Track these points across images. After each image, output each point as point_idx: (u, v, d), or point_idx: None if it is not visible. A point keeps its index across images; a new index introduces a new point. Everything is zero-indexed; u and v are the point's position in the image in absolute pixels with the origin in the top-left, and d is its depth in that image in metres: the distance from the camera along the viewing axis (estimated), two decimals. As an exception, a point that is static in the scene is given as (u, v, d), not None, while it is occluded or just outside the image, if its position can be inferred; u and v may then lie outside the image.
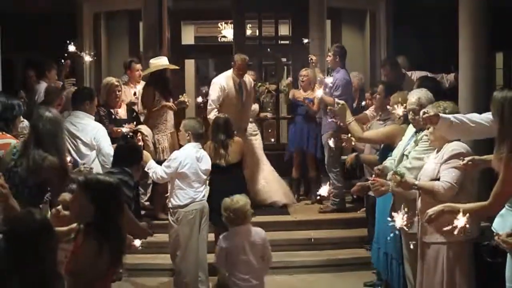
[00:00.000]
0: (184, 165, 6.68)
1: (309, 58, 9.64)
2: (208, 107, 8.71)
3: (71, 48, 7.59)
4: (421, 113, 4.89)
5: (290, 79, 10.57)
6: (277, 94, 11.20)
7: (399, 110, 5.67)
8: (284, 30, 12.16)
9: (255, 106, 9.85)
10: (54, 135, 5.09)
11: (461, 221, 4.11)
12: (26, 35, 10.10)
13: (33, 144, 4.99)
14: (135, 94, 8.74)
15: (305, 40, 10.36)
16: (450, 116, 4.72)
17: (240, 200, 5.62)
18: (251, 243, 5.59)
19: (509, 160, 4.02)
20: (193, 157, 6.72)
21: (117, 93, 7.79)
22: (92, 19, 10.99)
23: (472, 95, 7.12)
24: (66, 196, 4.57)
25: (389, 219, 4.97)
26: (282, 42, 11.96)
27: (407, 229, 5.01)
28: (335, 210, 8.80)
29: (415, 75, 8.34)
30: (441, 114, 4.70)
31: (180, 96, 8.56)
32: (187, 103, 8.57)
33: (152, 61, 8.66)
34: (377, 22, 11.00)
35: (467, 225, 4.09)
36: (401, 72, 8.54)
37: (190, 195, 6.73)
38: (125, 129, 7.37)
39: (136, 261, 7.08)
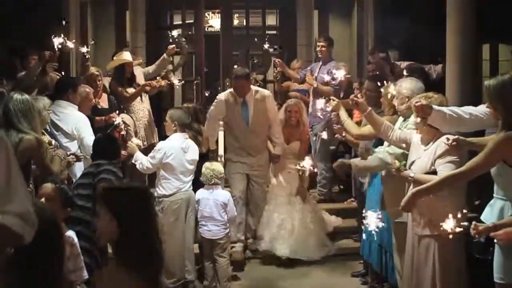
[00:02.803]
0: (168, 156, 6.66)
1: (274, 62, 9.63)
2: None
3: (58, 40, 7.41)
4: (413, 100, 4.85)
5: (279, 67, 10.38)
6: (264, 84, 11.16)
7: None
8: (271, 20, 12.11)
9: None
10: (26, 114, 5.05)
11: (449, 223, 4.08)
12: (10, 21, 9.93)
13: (4, 128, 4.86)
14: None
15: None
16: (444, 108, 4.67)
17: (218, 165, 6.98)
18: (216, 201, 6.80)
19: (502, 140, 4.00)
20: (178, 148, 6.69)
21: (97, 82, 7.75)
22: (79, 7, 10.88)
23: (459, 86, 7.14)
24: (48, 187, 4.49)
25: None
26: (269, 32, 11.92)
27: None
28: (322, 200, 8.80)
29: (404, 65, 8.32)
30: (434, 107, 4.64)
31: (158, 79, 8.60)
32: (162, 85, 8.47)
33: (116, 57, 8.65)
34: (365, 12, 10.98)
35: (457, 229, 4.04)
36: (390, 61, 8.53)
37: (176, 185, 6.72)
38: (118, 119, 7.26)
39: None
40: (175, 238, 6.68)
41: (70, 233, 4.21)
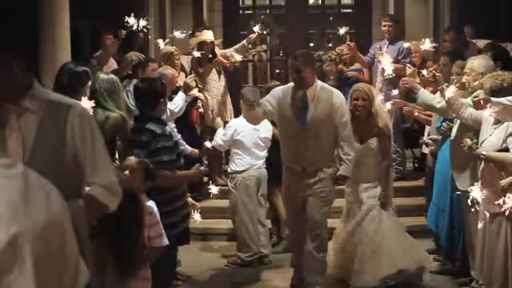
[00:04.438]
0: (238, 133, 6.85)
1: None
2: None
3: (140, 22, 7.52)
4: (471, 97, 4.90)
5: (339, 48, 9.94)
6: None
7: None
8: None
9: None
10: (111, 92, 5.22)
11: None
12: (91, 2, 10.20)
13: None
14: None
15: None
16: (502, 99, 4.68)
17: None
18: None
19: None
20: (248, 125, 6.72)
21: (175, 61, 7.92)
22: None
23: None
24: (131, 160, 4.66)
25: (468, 189, 5.01)
26: (344, 10, 11.90)
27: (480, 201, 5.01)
28: (397, 178, 8.79)
29: (480, 43, 8.20)
30: (492, 99, 4.66)
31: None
32: (236, 62, 8.63)
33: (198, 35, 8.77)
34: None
35: None
36: (466, 39, 8.43)
37: (248, 161, 6.92)
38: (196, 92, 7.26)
39: (200, 225, 7.25)
40: (249, 213, 6.88)
41: (150, 203, 4.42)
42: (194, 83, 6.80)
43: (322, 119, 5.79)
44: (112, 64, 7.88)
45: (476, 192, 4.88)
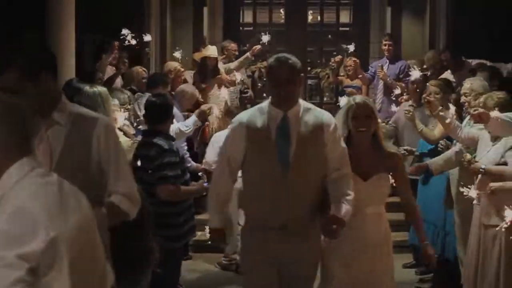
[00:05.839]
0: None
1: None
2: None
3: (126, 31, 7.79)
4: (471, 110, 5.08)
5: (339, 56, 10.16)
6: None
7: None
8: (344, 17, 12.33)
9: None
10: (93, 107, 4.92)
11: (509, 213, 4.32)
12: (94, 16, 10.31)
13: None
14: None
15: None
16: (502, 115, 4.85)
17: None
18: None
19: None
20: None
21: (181, 78, 8.16)
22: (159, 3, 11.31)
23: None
24: None
25: (464, 189, 5.17)
26: (342, 29, 12.13)
27: (478, 203, 5.16)
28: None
29: (475, 62, 8.42)
30: (491, 113, 4.83)
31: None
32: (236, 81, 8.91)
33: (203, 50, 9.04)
34: (438, 9, 11.03)
35: None
36: (461, 60, 8.63)
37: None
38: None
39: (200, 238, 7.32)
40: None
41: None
42: (209, 111, 6.94)
43: (310, 152, 3.97)
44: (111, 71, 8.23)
45: (473, 193, 5.08)
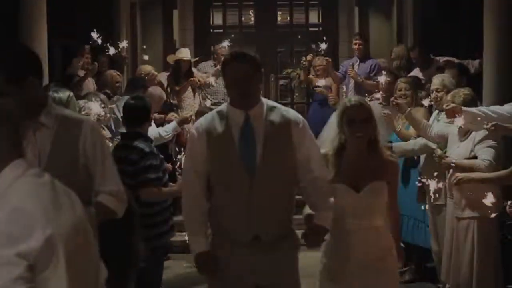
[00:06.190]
0: None
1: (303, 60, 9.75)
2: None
3: (95, 35, 7.82)
4: (444, 106, 5.25)
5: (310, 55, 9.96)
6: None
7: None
8: (313, 17, 12.45)
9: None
10: None
11: (489, 198, 4.49)
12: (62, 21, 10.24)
13: None
14: None
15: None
16: (473, 109, 5.02)
17: None
18: None
19: None
20: None
21: (156, 81, 8.22)
22: (129, 7, 11.32)
23: (497, 82, 7.33)
24: None
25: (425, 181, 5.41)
26: (311, 29, 12.26)
27: (437, 196, 5.42)
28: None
29: (443, 60, 8.57)
30: (464, 108, 4.99)
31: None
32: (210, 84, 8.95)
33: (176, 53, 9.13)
34: (404, 7, 11.20)
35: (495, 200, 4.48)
36: (430, 57, 8.77)
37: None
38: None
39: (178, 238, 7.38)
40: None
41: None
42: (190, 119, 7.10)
43: (278, 155, 3.60)
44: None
45: (432, 185, 5.31)
